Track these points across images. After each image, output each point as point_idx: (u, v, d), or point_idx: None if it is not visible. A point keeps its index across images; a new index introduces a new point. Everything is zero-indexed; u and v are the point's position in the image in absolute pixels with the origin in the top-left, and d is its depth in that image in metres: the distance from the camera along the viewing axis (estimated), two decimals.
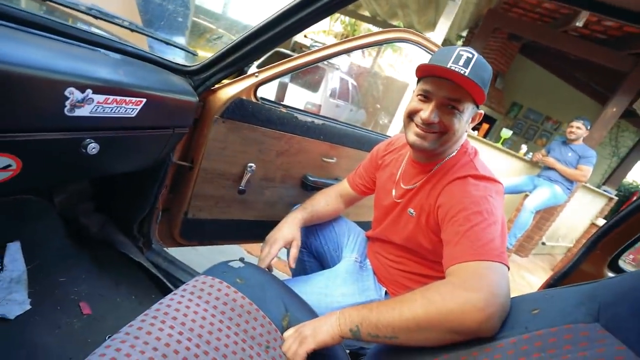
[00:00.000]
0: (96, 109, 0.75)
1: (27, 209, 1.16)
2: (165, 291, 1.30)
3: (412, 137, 0.96)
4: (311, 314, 1.05)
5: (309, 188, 1.57)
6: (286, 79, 1.52)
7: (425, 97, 0.92)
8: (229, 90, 1.21)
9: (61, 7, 0.88)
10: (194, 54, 1.10)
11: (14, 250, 1.11)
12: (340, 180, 1.47)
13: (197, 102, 1.08)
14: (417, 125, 0.94)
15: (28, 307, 1.05)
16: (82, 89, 0.70)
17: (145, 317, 0.85)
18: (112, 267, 1.28)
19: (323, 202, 1.34)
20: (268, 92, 1.33)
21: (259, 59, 1.19)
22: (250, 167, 1.36)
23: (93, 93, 0.72)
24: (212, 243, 1.50)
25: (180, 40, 1.21)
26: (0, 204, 1.10)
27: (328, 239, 1.41)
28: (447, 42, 7.15)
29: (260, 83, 1.25)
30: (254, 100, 1.27)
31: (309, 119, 1.44)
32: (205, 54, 1.15)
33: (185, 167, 1.29)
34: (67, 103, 0.69)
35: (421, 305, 0.72)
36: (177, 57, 1.16)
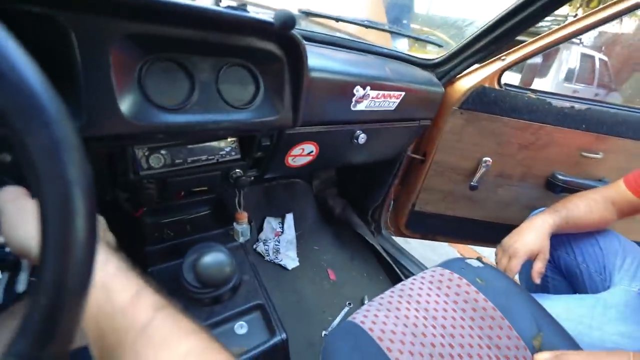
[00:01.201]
0: (370, 104, 0.87)
1: (297, 189, 1.52)
2: (391, 274, 1.40)
3: None
4: (573, 344, 0.84)
5: (558, 190, 1.28)
6: (536, 59, 1.29)
7: None
8: (470, 79, 1.15)
9: (330, 21, 1.08)
10: (440, 46, 1.10)
11: (289, 219, 1.48)
12: (606, 182, 1.12)
13: (442, 94, 1.08)
14: None
15: (297, 263, 1.38)
16: (364, 86, 0.83)
17: (392, 294, 0.91)
18: (349, 244, 1.49)
19: (584, 207, 1.05)
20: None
21: (502, 47, 1.05)
22: (486, 161, 1.24)
23: (370, 90, 0.84)
24: (434, 238, 1.49)
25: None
26: (283, 184, 1.49)
27: (588, 256, 1.10)
28: None
29: (506, 67, 1.12)
30: (497, 87, 1.15)
31: (567, 104, 1.17)
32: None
33: (417, 160, 1.32)
34: (354, 99, 0.83)
35: None
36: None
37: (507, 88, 1.16)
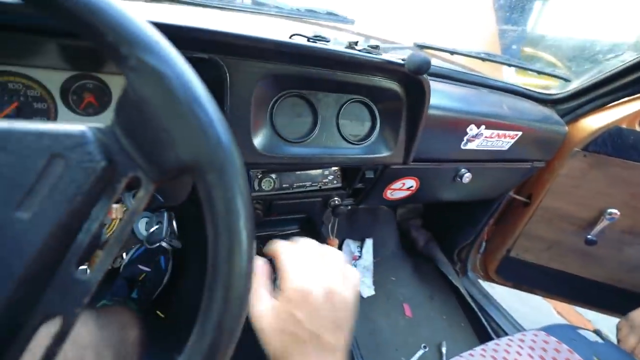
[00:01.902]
0: (482, 143, 0.81)
1: (380, 215, 1.49)
2: (475, 323, 1.27)
3: None
4: None
5: None
6: None
7: None
8: (600, 118, 0.99)
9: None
10: (567, 80, 0.98)
11: (369, 244, 1.45)
12: None
13: (565, 134, 0.95)
14: None
15: (373, 292, 1.34)
16: (478, 125, 0.77)
17: (484, 354, 0.82)
18: (430, 281, 1.40)
19: None
20: None
21: None
22: (611, 213, 1.05)
23: (485, 129, 0.78)
24: (530, 290, 1.31)
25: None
26: (366, 208, 1.47)
27: None
28: None
29: None
30: (638, 129, 0.97)
31: None
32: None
33: (519, 202, 1.19)
34: (465, 138, 0.78)
35: None
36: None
37: None
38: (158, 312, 1.03)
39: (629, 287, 1.15)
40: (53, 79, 0.54)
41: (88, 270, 0.28)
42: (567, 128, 0.97)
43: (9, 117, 0.50)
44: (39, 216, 0.25)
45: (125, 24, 0.26)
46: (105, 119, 0.58)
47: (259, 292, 0.38)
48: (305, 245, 0.41)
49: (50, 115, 0.53)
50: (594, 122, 1.00)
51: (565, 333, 0.86)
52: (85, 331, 0.56)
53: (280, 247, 0.40)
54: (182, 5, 0.73)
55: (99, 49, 0.27)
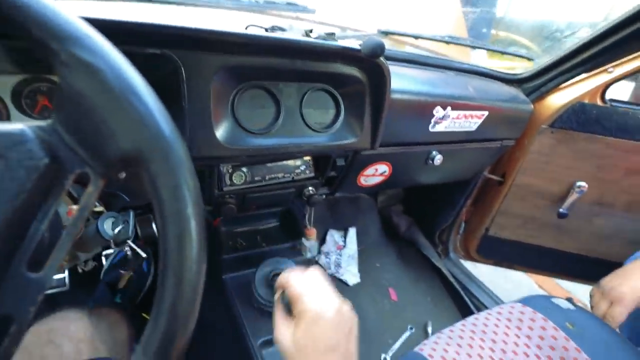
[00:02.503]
0: (450, 125, 0.83)
1: (361, 204, 1.50)
2: (459, 302, 1.30)
3: None
4: None
5: None
6: None
7: None
8: (564, 95, 1.02)
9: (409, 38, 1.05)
10: (530, 59, 1.00)
11: (352, 233, 1.47)
12: None
13: (531, 112, 0.98)
14: None
15: (358, 279, 1.36)
16: (444, 107, 0.79)
17: (464, 328, 0.85)
18: (413, 264, 1.43)
19: None
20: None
21: (617, 60, 0.92)
22: (580, 186, 1.09)
23: (451, 110, 0.80)
24: (510, 266, 1.35)
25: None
26: (347, 198, 1.48)
27: None
28: None
29: (613, 81, 0.98)
30: (600, 103, 1.01)
31: None
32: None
33: (494, 181, 1.22)
34: (432, 120, 0.79)
35: None
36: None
37: (614, 104, 1.01)
38: (144, 314, 1.02)
39: (601, 256, 1.20)
40: (2, 84, 0.52)
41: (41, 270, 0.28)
42: (532, 106, 0.99)
43: None
44: None
45: (52, 18, 0.26)
46: None
47: (278, 322, 0.46)
48: (310, 274, 0.48)
49: (2, 120, 0.52)
50: (558, 99, 1.03)
51: (540, 303, 0.89)
52: (81, 326, 0.58)
53: (291, 279, 0.46)
54: (142, 3, 0.71)
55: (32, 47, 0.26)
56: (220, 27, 0.50)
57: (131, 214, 0.58)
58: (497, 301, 1.27)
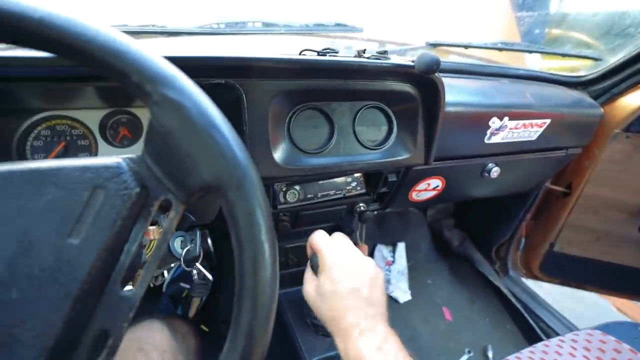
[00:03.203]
0: (507, 135, 0.78)
1: (410, 218, 1.46)
2: (522, 325, 1.20)
3: None
4: None
5: None
6: None
7: None
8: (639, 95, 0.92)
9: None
10: (598, 59, 0.92)
11: (401, 248, 1.43)
12: None
13: (600, 116, 0.90)
14: None
15: (409, 297, 1.31)
16: (500, 117, 0.75)
17: (533, 356, 0.77)
18: (468, 282, 1.34)
19: None
20: None
21: None
22: None
23: (509, 120, 0.76)
24: (580, 286, 1.22)
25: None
26: (396, 212, 1.45)
27: None
28: None
29: None
30: None
31: None
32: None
33: (558, 193, 1.12)
34: (488, 132, 0.76)
35: None
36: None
37: None
38: (202, 326, 1.07)
39: None
40: (92, 118, 0.59)
41: (132, 288, 0.31)
42: (602, 110, 0.91)
43: (58, 156, 0.56)
44: (87, 241, 0.28)
45: (146, 64, 0.29)
46: (138, 149, 0.63)
47: (306, 277, 0.52)
48: (335, 235, 0.54)
49: (92, 150, 0.59)
50: (633, 100, 0.93)
51: (625, 331, 0.79)
52: (164, 336, 0.63)
53: (316, 236, 0.53)
54: (202, 36, 0.78)
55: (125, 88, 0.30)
56: (278, 54, 0.53)
57: (198, 233, 0.62)
58: (569, 327, 1.15)
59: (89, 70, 0.36)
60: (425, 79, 0.60)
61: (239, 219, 0.29)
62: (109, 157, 0.31)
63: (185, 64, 0.49)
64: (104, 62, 0.28)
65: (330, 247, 0.50)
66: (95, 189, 0.29)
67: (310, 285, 0.49)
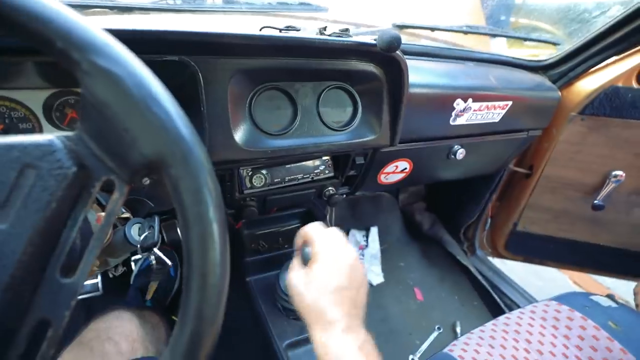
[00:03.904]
0: (471, 117, 0.80)
1: (382, 202, 1.48)
2: (488, 301, 1.26)
3: None
4: None
5: None
6: None
7: None
8: (594, 79, 0.97)
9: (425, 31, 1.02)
10: (555, 44, 0.96)
11: (374, 232, 1.45)
12: None
13: (558, 99, 0.93)
14: None
15: (382, 279, 1.34)
16: (465, 99, 0.76)
17: (495, 328, 0.81)
18: (439, 263, 1.39)
19: None
20: None
21: None
22: (616, 176, 1.03)
23: (473, 102, 0.77)
24: (541, 262, 1.29)
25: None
26: (368, 197, 1.47)
27: None
28: None
29: None
30: (636, 85, 0.95)
31: None
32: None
33: (521, 174, 1.17)
34: (453, 113, 0.77)
35: None
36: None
37: None
38: (173, 317, 1.05)
39: (635, 248, 1.12)
40: (35, 99, 0.55)
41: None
42: (560, 93, 0.95)
43: None
44: (16, 225, 0.26)
45: (73, 28, 0.26)
46: None
47: (294, 266, 0.50)
48: (330, 228, 0.52)
49: (35, 132, 0.55)
50: (588, 84, 0.98)
51: (577, 300, 0.84)
52: (132, 327, 0.62)
53: (310, 228, 0.51)
54: (156, 13, 0.73)
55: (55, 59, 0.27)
56: (235, 30, 0.51)
57: (156, 219, 0.59)
58: (530, 299, 1.22)
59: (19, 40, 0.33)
60: (388, 58, 0.60)
61: (184, 197, 0.27)
62: (41, 135, 0.28)
63: (133, 37, 0.45)
64: (26, 26, 0.25)
65: (326, 239, 0.49)
66: (23, 169, 0.27)
67: (297, 274, 0.48)
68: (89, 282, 0.63)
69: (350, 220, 1.45)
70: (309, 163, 0.77)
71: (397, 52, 0.58)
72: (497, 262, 1.40)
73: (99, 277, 0.82)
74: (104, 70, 0.26)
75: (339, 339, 0.42)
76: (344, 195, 0.85)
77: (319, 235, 0.49)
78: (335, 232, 0.51)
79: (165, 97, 0.28)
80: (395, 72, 0.61)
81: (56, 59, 0.27)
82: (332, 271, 0.46)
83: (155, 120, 0.27)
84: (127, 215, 0.59)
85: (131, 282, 1.03)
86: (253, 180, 0.74)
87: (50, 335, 0.27)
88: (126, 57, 0.27)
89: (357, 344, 0.42)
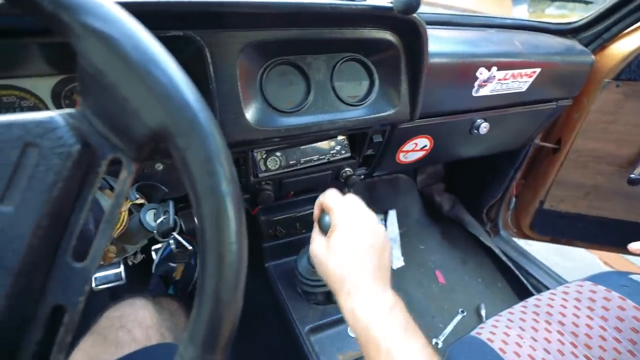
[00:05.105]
0: (495, 87, 0.75)
1: (400, 184, 1.44)
2: (514, 283, 1.21)
3: None
4: None
5: None
6: None
7: None
8: (632, 40, 0.88)
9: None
10: (589, 2, 0.88)
11: (392, 216, 1.42)
12: None
13: (591, 64, 0.86)
14: None
15: (402, 263, 1.31)
16: (488, 67, 0.71)
17: (525, 310, 0.77)
18: (461, 245, 1.35)
19: None
20: None
21: None
22: None
23: (497, 70, 0.72)
24: (570, 242, 1.23)
25: None
26: (385, 179, 1.43)
27: None
28: None
29: None
30: None
31: None
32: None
33: (548, 149, 1.10)
34: (476, 84, 0.72)
35: None
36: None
37: None
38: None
39: None
40: (43, 86, 0.54)
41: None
42: (593, 57, 0.87)
43: None
44: (23, 207, 0.24)
45: None
46: None
47: (314, 236, 0.49)
48: (348, 195, 0.51)
49: None
50: (624, 46, 0.89)
51: (614, 280, 0.79)
52: (147, 313, 0.61)
53: (329, 195, 0.50)
54: None
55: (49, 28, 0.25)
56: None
57: (170, 203, 0.58)
58: (559, 280, 1.17)
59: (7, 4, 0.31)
60: (405, 24, 0.55)
61: (193, 169, 0.25)
62: (42, 112, 0.26)
63: (132, 11, 0.43)
64: None
65: (344, 205, 0.48)
66: (25, 147, 0.25)
67: (318, 243, 0.48)
68: (112, 271, 0.64)
69: (368, 204, 1.40)
70: (325, 144, 0.74)
71: (416, 16, 0.54)
72: (522, 243, 1.35)
73: (122, 267, 0.83)
74: (96, 32, 0.24)
75: (366, 304, 0.41)
76: (362, 177, 0.82)
77: (336, 203, 0.48)
78: (353, 197, 0.50)
79: (166, 59, 0.25)
80: (413, 38, 0.57)
81: (49, 26, 0.25)
82: (352, 236, 0.45)
83: (156, 86, 0.24)
84: (142, 201, 0.58)
85: (153, 271, 1.05)
86: (268, 163, 0.72)
87: (67, 322, 0.26)
88: (120, 17, 0.25)
89: (385, 308, 0.41)
